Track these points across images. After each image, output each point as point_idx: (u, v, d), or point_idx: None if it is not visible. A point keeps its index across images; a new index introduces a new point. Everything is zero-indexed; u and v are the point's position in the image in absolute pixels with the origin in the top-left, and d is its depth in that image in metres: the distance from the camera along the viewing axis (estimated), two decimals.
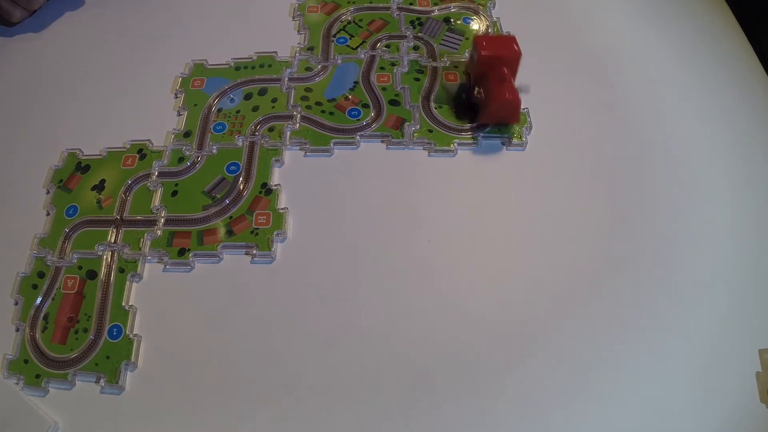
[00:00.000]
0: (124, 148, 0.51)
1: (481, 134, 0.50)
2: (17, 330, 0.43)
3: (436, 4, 0.61)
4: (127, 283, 0.44)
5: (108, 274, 0.45)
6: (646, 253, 0.45)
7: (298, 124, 0.52)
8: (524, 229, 0.46)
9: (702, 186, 0.49)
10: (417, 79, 0.54)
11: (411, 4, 0.61)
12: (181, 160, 0.50)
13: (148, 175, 0.49)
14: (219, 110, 0.53)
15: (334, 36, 0.58)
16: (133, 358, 0.41)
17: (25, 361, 0.41)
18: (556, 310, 0.43)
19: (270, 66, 0.56)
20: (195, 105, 0.54)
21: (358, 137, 0.51)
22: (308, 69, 0.56)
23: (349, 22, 0.59)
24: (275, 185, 0.48)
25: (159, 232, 0.46)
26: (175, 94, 0.55)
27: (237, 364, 0.41)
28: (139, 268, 0.45)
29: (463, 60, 0.56)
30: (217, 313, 0.43)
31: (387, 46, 0.57)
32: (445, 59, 0.56)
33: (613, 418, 0.39)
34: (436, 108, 0.52)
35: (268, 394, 0.40)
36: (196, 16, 0.61)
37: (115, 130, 0.52)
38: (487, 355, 0.41)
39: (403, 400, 0.40)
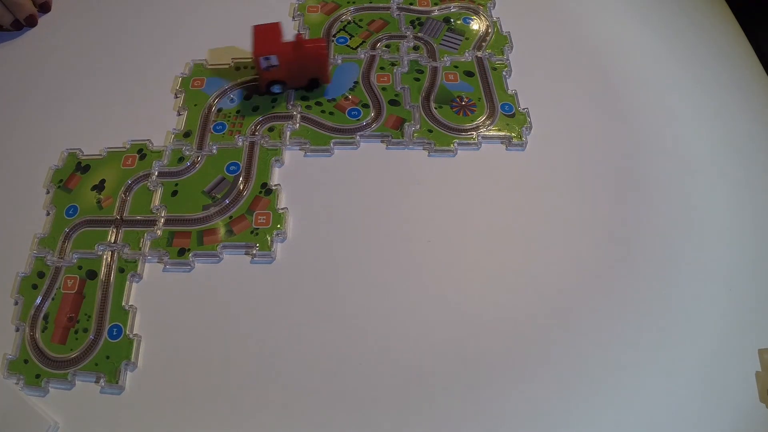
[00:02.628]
0: (124, 148, 0.51)
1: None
2: (17, 330, 0.43)
3: (436, 4, 0.61)
4: (127, 283, 0.44)
5: (108, 274, 0.45)
6: (646, 253, 0.45)
7: (298, 124, 0.52)
8: (524, 229, 0.46)
9: (702, 186, 0.49)
10: (417, 79, 0.54)
11: (411, 4, 0.61)
12: (181, 160, 0.50)
13: (148, 175, 0.49)
14: (219, 110, 0.53)
15: (334, 36, 0.58)
16: (133, 358, 0.41)
17: (25, 361, 0.41)
18: (556, 309, 0.43)
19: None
20: (195, 105, 0.54)
21: (358, 137, 0.51)
22: None
23: (349, 22, 0.59)
24: (275, 185, 0.48)
25: (159, 232, 0.46)
26: (175, 94, 0.55)
27: (237, 364, 0.41)
28: (139, 268, 0.45)
29: (463, 60, 0.56)
30: (217, 313, 0.43)
31: (387, 46, 0.57)
32: (446, 59, 0.56)
33: (613, 418, 0.39)
34: (436, 108, 0.52)
35: (267, 393, 0.40)
36: (196, 16, 0.61)
37: (115, 130, 0.52)
38: (486, 355, 0.41)
39: (402, 401, 0.40)
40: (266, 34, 0.50)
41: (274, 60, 0.49)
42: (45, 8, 0.62)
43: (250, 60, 0.56)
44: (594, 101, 0.54)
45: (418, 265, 0.45)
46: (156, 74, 0.56)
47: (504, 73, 0.55)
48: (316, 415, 0.39)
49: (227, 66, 0.56)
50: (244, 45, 0.57)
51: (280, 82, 0.52)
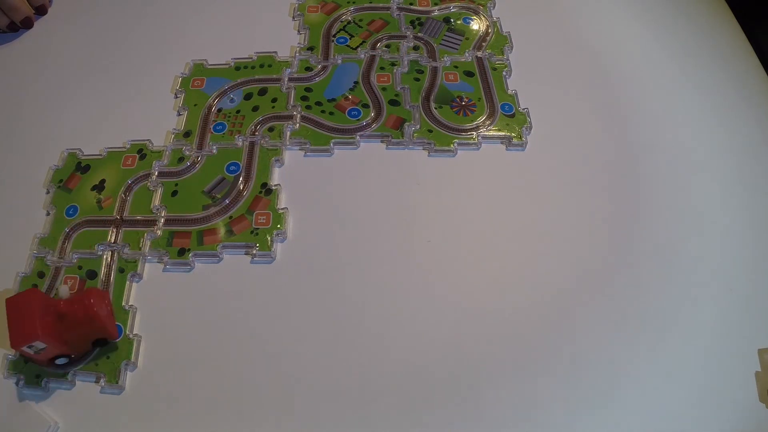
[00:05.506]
0: (124, 148, 0.51)
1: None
2: None
3: (436, 4, 0.61)
4: (127, 283, 0.44)
5: (108, 274, 0.45)
6: (646, 253, 0.45)
7: (298, 124, 0.52)
8: (524, 230, 0.46)
9: (701, 186, 0.49)
10: (417, 79, 0.54)
11: (411, 4, 0.61)
12: (181, 160, 0.50)
13: (148, 175, 0.49)
14: (219, 110, 0.53)
15: (334, 36, 0.58)
16: (133, 358, 0.41)
17: (25, 361, 0.41)
18: (556, 309, 0.43)
19: (270, 66, 0.56)
20: (195, 105, 0.54)
21: (358, 137, 0.51)
22: (308, 69, 0.56)
23: (349, 22, 0.59)
24: (275, 185, 0.48)
25: (159, 232, 0.46)
26: (175, 94, 0.55)
27: (237, 364, 0.41)
28: (139, 268, 0.45)
29: (463, 60, 0.56)
30: (217, 313, 0.43)
31: (387, 46, 0.57)
32: (446, 59, 0.56)
33: (612, 418, 0.39)
34: (436, 108, 0.52)
35: (267, 394, 0.40)
36: (196, 16, 0.61)
37: (115, 130, 0.52)
38: (486, 355, 0.41)
39: (402, 400, 0.40)
40: (22, 311, 0.37)
41: (39, 344, 0.37)
42: (41, 11, 0.62)
43: (250, 60, 0.56)
44: (594, 101, 0.54)
45: (418, 265, 0.45)
46: (156, 74, 0.56)
47: (504, 73, 0.55)
48: (316, 414, 0.39)
49: (227, 66, 0.56)
50: (244, 45, 0.57)
51: (60, 356, 0.40)
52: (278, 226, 0.46)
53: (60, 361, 0.40)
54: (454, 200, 0.48)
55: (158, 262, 0.45)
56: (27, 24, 0.60)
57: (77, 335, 0.39)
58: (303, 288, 0.44)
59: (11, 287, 0.44)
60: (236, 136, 0.51)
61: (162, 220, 0.47)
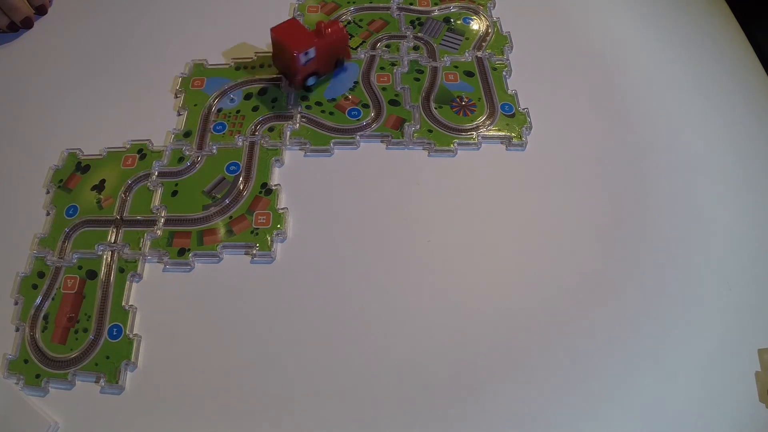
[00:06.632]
0: (124, 148, 0.51)
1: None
2: (17, 330, 0.43)
3: (436, 4, 0.61)
4: (127, 283, 0.44)
5: (108, 274, 0.45)
6: (646, 254, 0.45)
7: (298, 124, 0.52)
8: (524, 230, 0.46)
9: (701, 186, 0.49)
10: (417, 79, 0.54)
11: (411, 4, 0.61)
12: (181, 160, 0.50)
13: (148, 175, 0.49)
14: (219, 110, 0.53)
15: None
16: (133, 358, 0.41)
17: (25, 361, 0.41)
18: (556, 310, 0.43)
19: (270, 66, 0.56)
20: (195, 105, 0.54)
21: (358, 137, 0.51)
22: None
23: (349, 22, 0.59)
24: (275, 185, 0.48)
25: (159, 232, 0.46)
26: (175, 94, 0.55)
27: (237, 363, 0.41)
28: (139, 268, 0.45)
29: (463, 60, 0.56)
30: (217, 313, 0.43)
31: (387, 46, 0.57)
32: (446, 59, 0.56)
33: (613, 418, 0.39)
34: (436, 108, 0.52)
35: (267, 393, 0.40)
36: (196, 16, 0.61)
37: (115, 130, 0.52)
38: (486, 355, 0.41)
39: (403, 402, 0.40)
40: (291, 31, 0.50)
41: (312, 53, 0.49)
42: (41, 11, 0.62)
43: (250, 60, 0.56)
44: (594, 101, 0.54)
45: (418, 266, 0.45)
46: (156, 74, 0.56)
47: (504, 73, 0.55)
48: (317, 415, 0.39)
49: (227, 66, 0.56)
50: (244, 45, 0.57)
51: (314, 73, 0.52)
52: (278, 226, 0.46)
53: (310, 81, 0.51)
54: (454, 200, 0.48)
55: (158, 262, 0.45)
56: (27, 24, 0.60)
57: (330, 52, 0.51)
58: (303, 288, 0.44)
59: (11, 287, 0.44)
60: (236, 136, 0.51)
61: (162, 220, 0.47)
